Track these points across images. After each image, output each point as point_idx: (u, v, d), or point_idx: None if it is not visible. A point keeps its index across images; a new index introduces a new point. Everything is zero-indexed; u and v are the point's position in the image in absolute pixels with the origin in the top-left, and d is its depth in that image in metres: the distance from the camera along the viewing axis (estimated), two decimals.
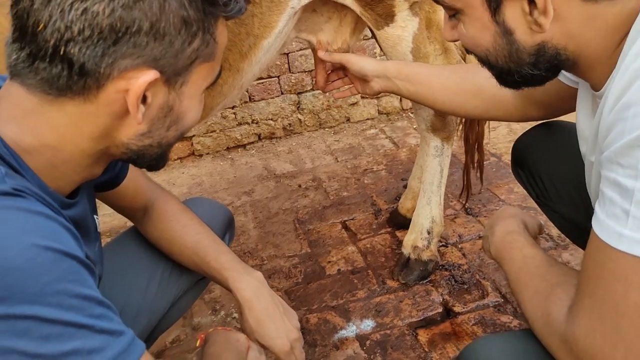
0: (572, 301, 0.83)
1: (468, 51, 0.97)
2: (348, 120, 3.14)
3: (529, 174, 1.41)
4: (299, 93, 2.99)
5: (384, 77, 1.46)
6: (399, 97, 3.01)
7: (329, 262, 2.05)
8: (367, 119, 3.16)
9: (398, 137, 2.95)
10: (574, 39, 0.83)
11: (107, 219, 2.50)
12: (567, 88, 1.19)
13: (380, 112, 3.15)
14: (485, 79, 1.38)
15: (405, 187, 2.47)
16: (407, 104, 3.10)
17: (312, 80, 2.98)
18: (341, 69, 1.55)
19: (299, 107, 3.01)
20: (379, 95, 3.06)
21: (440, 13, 1.67)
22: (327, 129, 3.10)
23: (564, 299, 0.86)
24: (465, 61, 1.80)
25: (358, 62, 1.48)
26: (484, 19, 0.85)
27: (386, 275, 1.94)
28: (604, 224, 0.79)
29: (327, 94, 2.98)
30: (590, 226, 1.25)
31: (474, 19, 0.87)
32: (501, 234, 1.09)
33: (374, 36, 1.71)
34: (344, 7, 1.53)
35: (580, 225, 1.31)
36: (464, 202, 2.21)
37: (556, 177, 1.34)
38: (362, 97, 3.07)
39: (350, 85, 1.56)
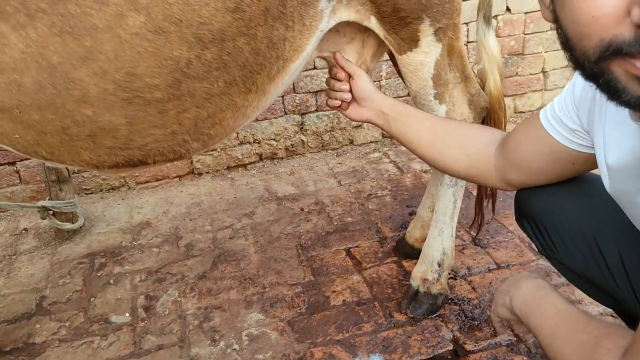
0: (622, 351, 0.80)
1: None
2: (351, 142, 3.08)
3: (534, 226, 1.33)
4: (302, 114, 2.93)
5: (379, 110, 1.46)
6: None
7: (334, 291, 1.98)
8: (371, 142, 3.11)
9: (402, 162, 2.90)
10: None
11: (102, 237, 2.42)
12: (565, 150, 1.15)
13: (384, 136, 3.11)
14: (475, 135, 1.36)
15: (410, 214, 2.42)
16: None
17: (317, 101, 2.92)
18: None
19: (302, 127, 2.96)
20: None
21: (461, 41, 1.63)
22: (330, 151, 3.05)
23: (612, 349, 0.83)
24: (484, 90, 1.75)
25: (366, 82, 1.47)
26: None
27: (393, 308, 1.88)
28: None
29: (332, 115, 2.93)
30: (606, 284, 1.21)
31: None
32: (530, 289, 1.04)
33: (392, 60, 1.66)
34: (367, 30, 1.48)
35: (590, 279, 1.25)
36: (475, 233, 2.16)
37: (562, 229, 1.26)
38: None
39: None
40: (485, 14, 1.72)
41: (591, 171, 1.23)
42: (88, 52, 1.03)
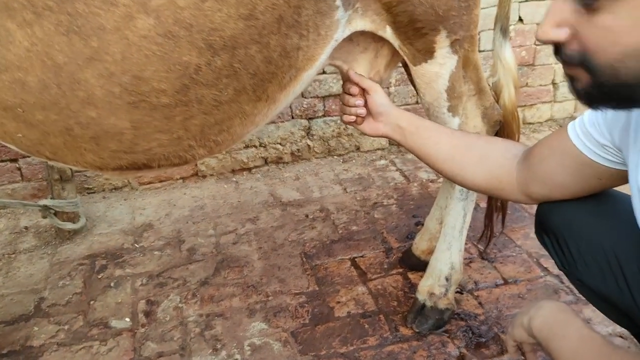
0: None
1: (564, 57, 0.82)
2: (358, 149, 3.05)
3: (555, 240, 1.29)
4: (309, 118, 2.89)
5: (395, 124, 1.43)
6: None
7: (338, 302, 1.94)
8: (378, 149, 3.07)
9: (409, 171, 2.86)
10: None
11: (103, 238, 2.39)
12: (593, 164, 1.11)
13: (391, 143, 3.07)
14: (495, 148, 1.33)
15: (417, 224, 2.38)
16: None
17: (324, 106, 2.89)
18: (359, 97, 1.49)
19: (309, 132, 2.92)
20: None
21: (477, 53, 1.59)
22: (336, 157, 3.01)
23: None
24: (498, 103, 1.72)
25: (382, 97, 1.43)
26: None
27: (399, 322, 1.83)
28: None
29: (339, 120, 2.89)
30: (624, 303, 1.17)
31: (631, 11, 0.71)
32: (553, 311, 1.01)
33: (405, 68, 1.62)
34: (381, 39, 1.44)
35: (608, 298, 1.22)
36: (483, 247, 2.12)
37: (583, 246, 1.22)
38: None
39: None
40: (502, 26, 1.68)
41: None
42: (95, 52, 0.99)
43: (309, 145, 2.95)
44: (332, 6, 1.21)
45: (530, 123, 3.29)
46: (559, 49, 0.82)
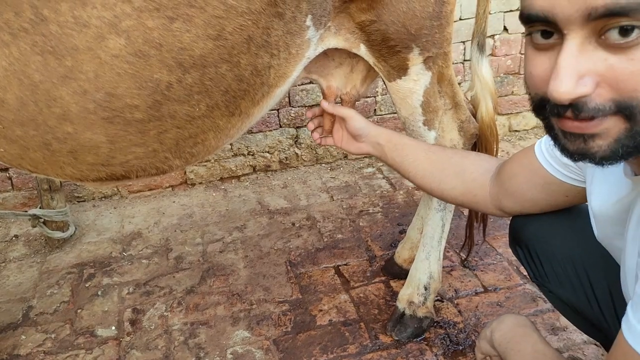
0: None
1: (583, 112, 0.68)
2: (345, 157, 3.08)
3: (527, 253, 1.34)
4: (297, 127, 2.93)
5: (375, 142, 1.49)
6: None
7: (320, 310, 1.97)
8: (365, 156, 3.10)
9: (395, 178, 2.89)
10: None
11: (92, 247, 2.42)
12: (559, 183, 1.15)
13: None
14: (471, 163, 1.38)
15: (401, 232, 2.41)
16: None
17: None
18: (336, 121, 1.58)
19: (296, 141, 2.96)
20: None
21: (451, 69, 1.63)
22: (323, 165, 3.05)
23: None
24: (475, 118, 1.75)
25: (359, 122, 1.49)
26: None
27: (379, 330, 1.87)
28: (635, 330, 0.73)
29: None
30: (593, 315, 1.20)
31: None
32: (512, 325, 1.04)
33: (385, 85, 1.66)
34: (357, 55, 1.48)
35: (578, 310, 1.26)
36: (464, 256, 2.15)
37: (554, 259, 1.27)
38: None
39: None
40: (479, 42, 1.72)
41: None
42: (69, 71, 1.03)
43: (297, 154, 2.98)
44: (303, 26, 1.25)
45: (516, 131, 3.32)
46: (561, 106, 0.69)
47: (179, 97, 1.12)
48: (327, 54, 1.48)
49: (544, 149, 1.18)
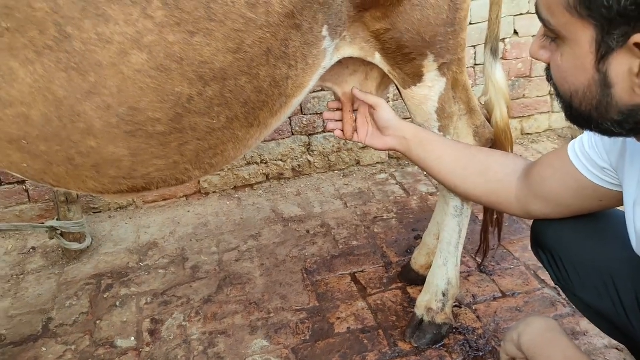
0: None
1: (549, 78, 0.87)
2: (358, 163, 3.09)
3: (550, 256, 1.33)
4: (310, 134, 2.94)
5: (402, 136, 1.47)
6: None
7: (338, 318, 1.97)
8: (377, 162, 3.11)
9: (409, 184, 2.89)
10: None
11: (109, 258, 2.44)
12: (594, 187, 1.14)
13: (390, 157, 3.11)
14: (496, 162, 1.36)
15: (416, 238, 2.41)
16: None
17: (324, 123, 2.93)
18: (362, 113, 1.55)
19: (309, 148, 2.97)
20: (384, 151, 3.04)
21: (466, 74, 1.64)
22: (336, 172, 3.05)
23: None
24: (490, 122, 1.75)
25: (388, 112, 1.48)
26: (586, 60, 0.77)
27: (397, 337, 1.86)
28: None
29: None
30: (619, 320, 1.19)
31: (575, 55, 0.78)
32: (540, 329, 1.03)
33: (399, 92, 1.67)
34: (371, 63, 1.49)
35: (603, 314, 1.24)
36: (480, 261, 2.15)
37: (579, 263, 1.25)
38: None
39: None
40: (493, 47, 1.72)
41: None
42: (92, 87, 1.05)
43: (309, 161, 2.99)
44: (319, 37, 1.26)
45: (528, 134, 3.31)
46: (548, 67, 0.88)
47: (200, 109, 1.14)
48: (342, 62, 1.49)
49: (579, 151, 1.16)
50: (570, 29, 0.76)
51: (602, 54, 0.74)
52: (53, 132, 1.09)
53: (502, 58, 3.06)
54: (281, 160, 2.95)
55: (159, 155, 1.17)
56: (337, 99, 1.62)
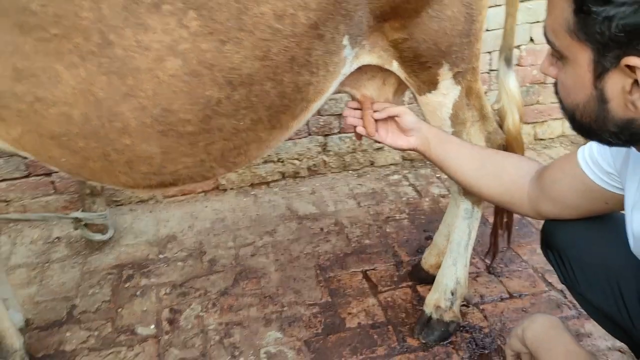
0: None
1: (557, 92, 0.95)
2: (372, 164, 3.15)
3: (558, 257, 1.39)
4: (326, 135, 3.02)
5: (424, 136, 1.52)
6: None
7: (349, 313, 2.05)
8: (391, 164, 3.17)
9: (421, 186, 2.96)
10: None
11: (130, 249, 2.53)
12: (600, 190, 1.20)
13: (404, 159, 3.17)
14: (510, 164, 1.43)
15: (427, 239, 2.48)
16: None
17: (340, 123, 3.01)
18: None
19: (324, 148, 3.04)
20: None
21: (480, 82, 1.70)
22: (350, 172, 3.12)
23: None
24: (502, 128, 1.81)
25: (411, 117, 1.52)
26: (585, 79, 0.85)
27: (406, 333, 1.93)
28: None
29: (354, 138, 3.00)
30: (622, 321, 1.25)
31: (576, 73, 0.86)
32: (544, 324, 1.09)
33: (414, 97, 1.73)
34: (388, 70, 1.56)
35: (607, 314, 1.30)
36: (489, 262, 2.21)
37: (586, 265, 1.32)
38: None
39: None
40: (507, 56, 1.78)
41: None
42: (130, 89, 1.13)
43: (324, 161, 3.07)
44: (340, 46, 1.33)
45: (541, 139, 3.35)
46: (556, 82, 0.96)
47: (227, 112, 1.22)
48: (361, 68, 1.55)
49: (587, 156, 1.22)
50: (571, 50, 0.83)
51: (599, 73, 0.82)
52: (92, 130, 1.17)
53: (518, 64, 3.10)
54: (297, 159, 3.02)
55: (187, 154, 1.26)
56: (357, 100, 1.68)
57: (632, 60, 0.76)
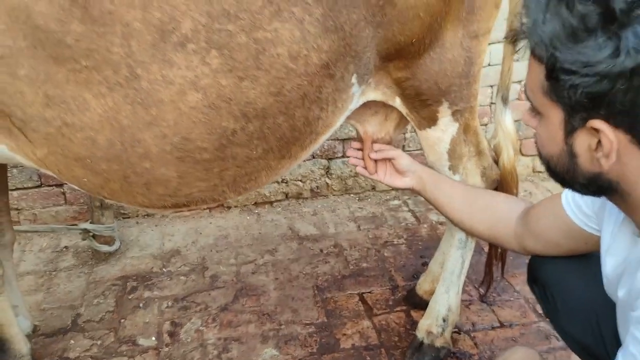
0: None
1: (536, 142, 1.03)
2: (373, 188, 3.24)
3: (542, 291, 1.48)
4: (329, 159, 3.11)
5: (419, 177, 1.66)
6: None
7: (344, 334, 2.12)
8: (392, 189, 3.26)
9: (420, 212, 3.04)
10: (628, 181, 0.91)
11: (135, 262, 2.61)
12: (580, 231, 1.29)
13: None
14: (499, 203, 1.54)
15: (423, 264, 2.55)
16: None
17: (344, 148, 3.10)
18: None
19: (328, 171, 3.14)
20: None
21: (477, 120, 1.80)
22: (352, 195, 3.21)
23: None
24: (497, 164, 1.90)
25: (406, 160, 1.67)
26: (557, 135, 0.93)
27: (398, 356, 2.00)
28: None
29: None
30: (599, 354, 1.33)
31: (549, 129, 0.94)
32: (523, 358, 1.17)
33: (415, 132, 1.83)
34: (391, 105, 1.66)
35: (589, 349, 1.38)
36: (483, 292, 2.28)
37: (568, 300, 1.40)
38: None
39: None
40: (503, 96, 1.88)
41: None
42: (153, 119, 1.23)
43: (327, 183, 3.16)
44: (349, 84, 1.43)
45: (539, 172, 3.44)
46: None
47: (241, 141, 1.31)
48: (365, 104, 1.65)
49: (570, 198, 1.31)
50: (546, 108, 0.92)
51: (569, 131, 0.91)
52: (115, 154, 1.27)
53: (517, 99, 3.21)
54: (301, 180, 3.12)
55: (202, 179, 1.35)
56: (358, 135, 1.79)
57: (596, 124, 0.85)
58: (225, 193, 1.44)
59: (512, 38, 0.94)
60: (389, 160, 1.69)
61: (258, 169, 1.41)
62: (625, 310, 1.04)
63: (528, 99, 0.97)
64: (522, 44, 0.92)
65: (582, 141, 0.90)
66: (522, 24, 0.90)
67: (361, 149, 1.74)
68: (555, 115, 0.90)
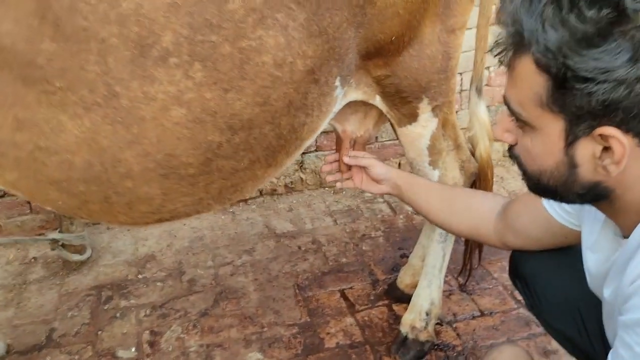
0: None
1: (514, 156, 0.98)
2: None
3: (525, 285, 1.50)
4: (302, 153, 3.07)
5: (394, 184, 1.66)
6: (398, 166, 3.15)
7: (328, 333, 2.12)
8: None
9: (396, 203, 3.05)
10: (624, 186, 0.90)
11: (109, 269, 2.53)
12: (560, 226, 1.31)
13: None
14: (477, 201, 1.56)
15: (402, 257, 2.57)
16: (406, 166, 3.22)
17: (316, 142, 3.08)
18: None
19: (301, 166, 3.11)
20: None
21: (455, 114, 1.81)
22: (327, 189, 3.19)
23: None
24: (474, 156, 1.92)
25: (381, 168, 1.67)
26: (555, 147, 0.88)
27: (383, 352, 2.02)
28: None
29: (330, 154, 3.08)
30: (583, 345, 1.37)
31: (544, 142, 0.89)
32: (512, 357, 1.19)
33: (393, 129, 1.83)
34: (370, 103, 1.65)
35: (572, 341, 1.42)
36: (462, 281, 2.32)
37: (551, 293, 1.43)
38: None
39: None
40: (477, 86, 1.90)
41: None
42: (135, 137, 1.18)
43: (301, 178, 3.13)
44: (333, 87, 1.41)
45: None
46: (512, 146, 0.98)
47: (227, 154, 1.28)
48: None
49: None
50: (540, 121, 0.88)
51: (570, 141, 0.87)
52: (94, 175, 1.21)
53: (487, 84, 3.25)
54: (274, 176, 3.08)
55: (187, 194, 1.31)
56: (337, 135, 1.77)
57: (608, 130, 0.82)
58: (210, 205, 1.41)
59: (500, 52, 0.90)
60: (364, 167, 1.69)
61: (244, 179, 1.38)
62: (611, 311, 1.07)
63: (512, 112, 0.91)
64: (509, 55, 0.89)
65: (585, 150, 0.87)
66: (511, 35, 0.86)
67: (337, 160, 1.74)
68: (554, 127, 0.87)
